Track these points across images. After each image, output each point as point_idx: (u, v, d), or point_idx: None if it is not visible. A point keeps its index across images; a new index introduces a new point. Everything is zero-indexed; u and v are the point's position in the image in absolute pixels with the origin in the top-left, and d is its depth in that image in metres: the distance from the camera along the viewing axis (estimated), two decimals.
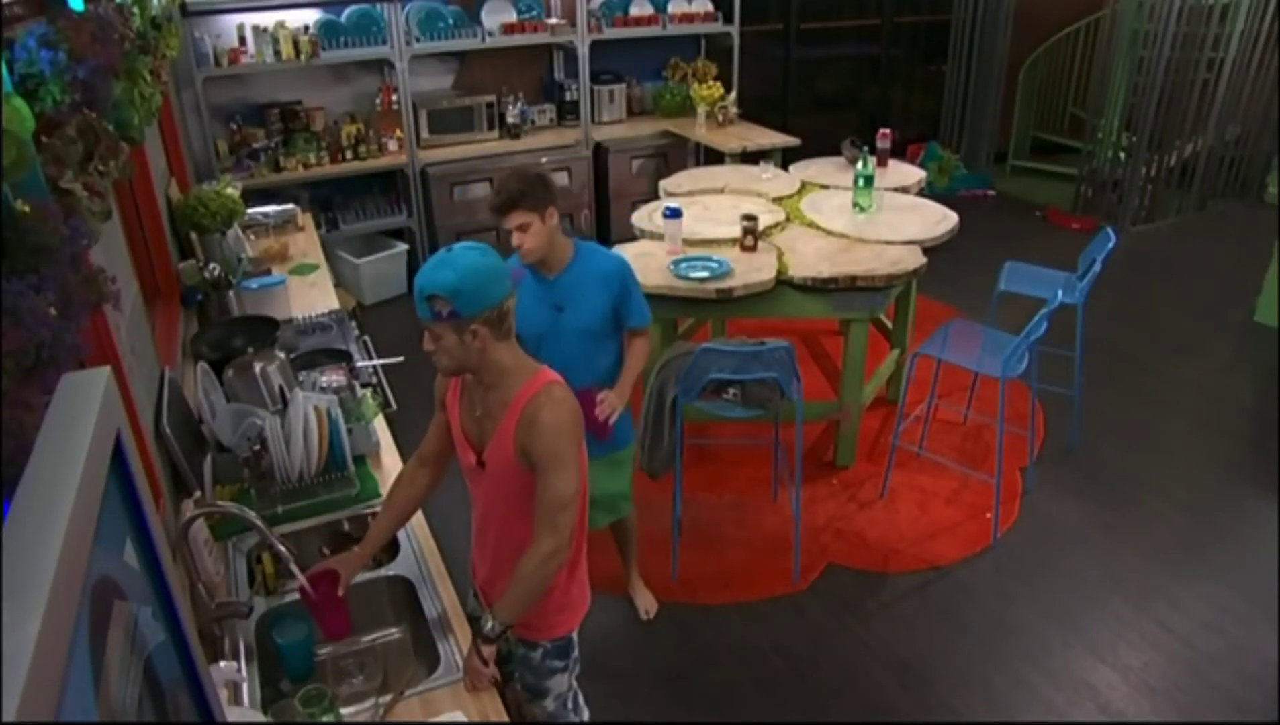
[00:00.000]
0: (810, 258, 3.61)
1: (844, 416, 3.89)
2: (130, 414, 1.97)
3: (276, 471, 2.31)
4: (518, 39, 5.68)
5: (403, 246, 5.65)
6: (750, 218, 3.67)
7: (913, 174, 4.67)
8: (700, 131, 6.01)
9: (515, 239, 2.44)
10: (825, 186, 4.48)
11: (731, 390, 3.18)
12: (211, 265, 3.38)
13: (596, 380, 2.63)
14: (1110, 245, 3.88)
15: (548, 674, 2.10)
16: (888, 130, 4.67)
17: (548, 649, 2.07)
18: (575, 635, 2.12)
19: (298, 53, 5.10)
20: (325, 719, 1.68)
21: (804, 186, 4.51)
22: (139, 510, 0.94)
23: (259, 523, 1.89)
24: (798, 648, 3.06)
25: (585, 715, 2.25)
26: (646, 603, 3.19)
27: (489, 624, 1.80)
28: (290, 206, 4.54)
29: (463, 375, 1.87)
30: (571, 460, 1.79)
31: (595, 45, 5.91)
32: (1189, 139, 6.80)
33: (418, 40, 5.45)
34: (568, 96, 6.02)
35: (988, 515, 3.63)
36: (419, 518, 2.31)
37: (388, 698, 1.79)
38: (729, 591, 3.30)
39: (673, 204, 3.81)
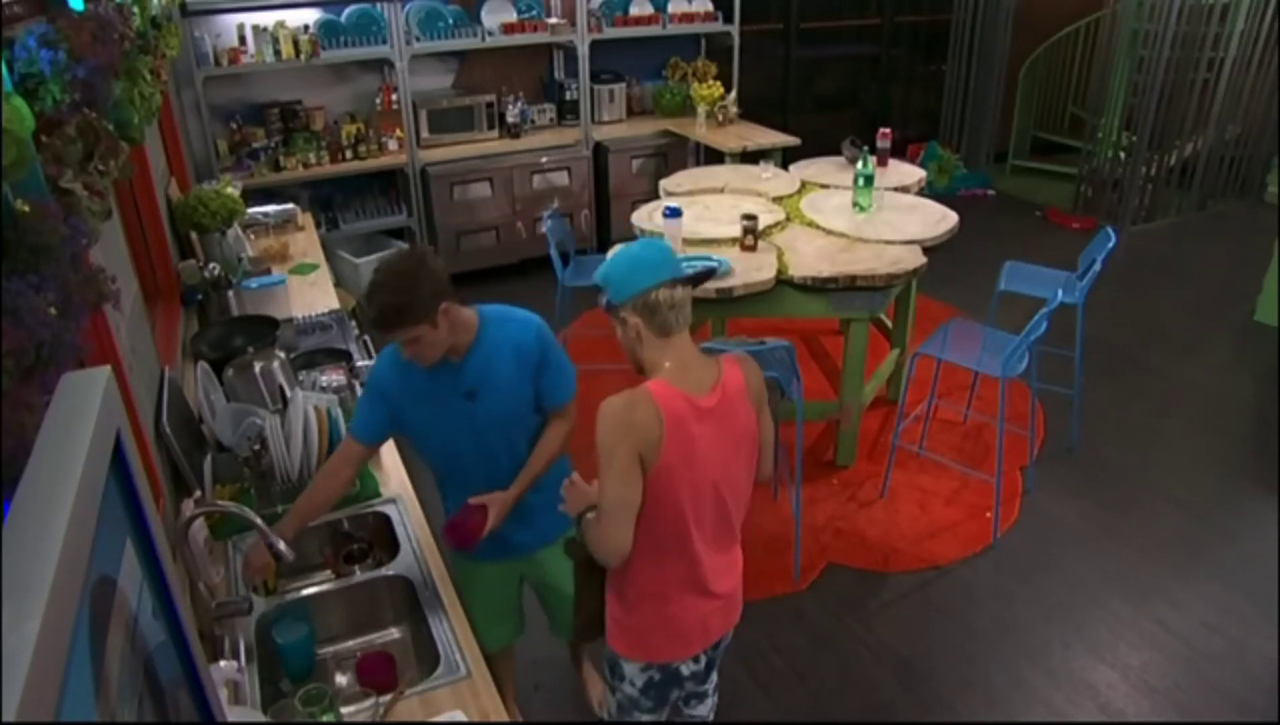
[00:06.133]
0: (810, 257, 3.61)
1: (844, 416, 3.89)
2: (130, 414, 1.97)
3: (276, 471, 2.31)
4: (518, 38, 5.68)
5: (403, 246, 5.65)
6: (750, 217, 3.67)
7: (913, 173, 4.67)
8: (700, 131, 6.00)
9: (406, 351, 1.99)
10: (825, 186, 4.48)
11: None
12: (211, 265, 3.38)
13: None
14: (1110, 245, 3.88)
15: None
16: (888, 130, 4.67)
17: (609, 653, 2.05)
18: (626, 664, 2.00)
19: (298, 52, 5.10)
20: (325, 719, 1.69)
21: (804, 186, 4.51)
22: (139, 510, 0.93)
23: (259, 522, 1.89)
24: (798, 648, 3.06)
25: None
26: (598, 693, 2.74)
27: None
28: (290, 206, 4.54)
29: None
30: (611, 463, 1.74)
31: (595, 45, 5.90)
32: (1189, 139, 6.81)
33: (418, 40, 5.44)
34: (568, 96, 6.01)
35: (988, 515, 3.63)
36: (419, 518, 2.32)
37: (388, 697, 1.79)
38: None
39: (673, 204, 3.80)
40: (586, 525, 1.85)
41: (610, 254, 1.82)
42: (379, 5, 5.36)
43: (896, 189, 4.38)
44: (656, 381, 1.78)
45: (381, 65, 5.54)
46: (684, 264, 1.91)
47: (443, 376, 2.05)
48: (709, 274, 2.00)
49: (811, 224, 3.98)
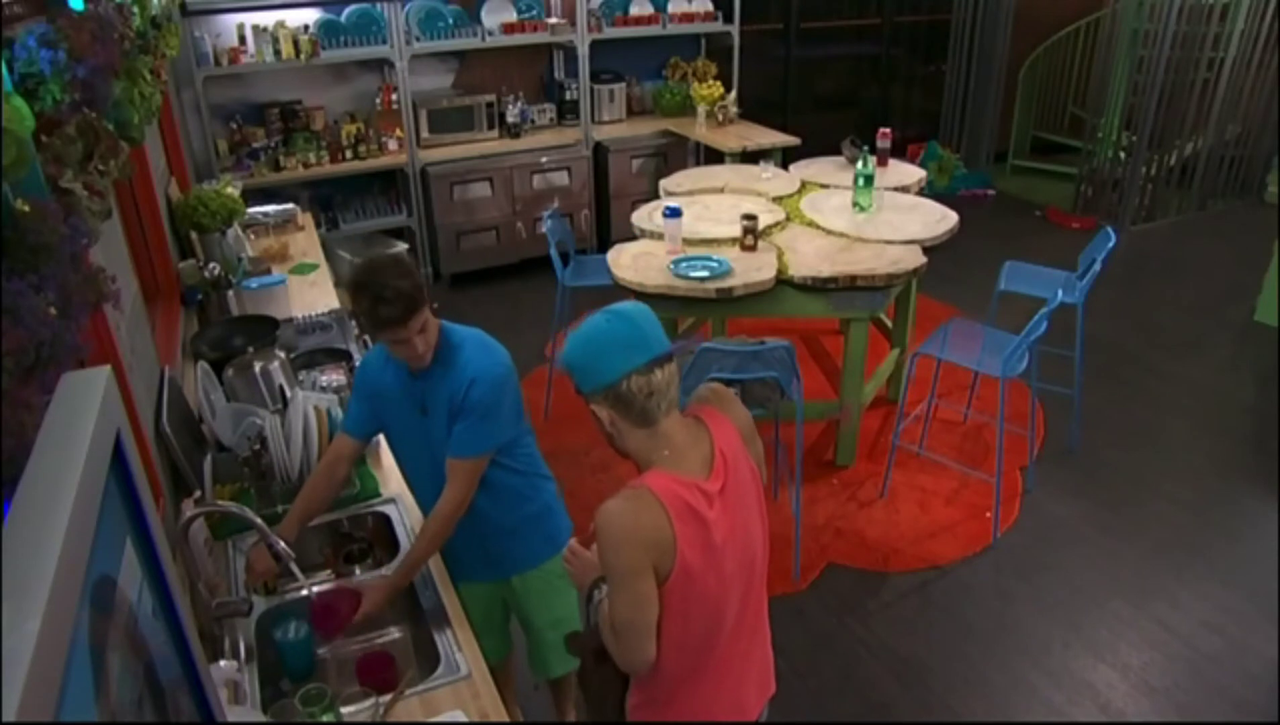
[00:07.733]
0: (810, 257, 3.61)
1: (844, 416, 3.89)
2: (130, 414, 1.97)
3: (276, 471, 2.31)
4: (518, 38, 5.68)
5: (403, 246, 5.65)
6: (750, 217, 3.67)
7: (913, 173, 4.67)
8: (700, 131, 6.00)
9: (419, 345, 1.92)
10: (825, 186, 4.48)
11: (732, 389, 3.18)
12: (211, 265, 3.38)
13: (488, 505, 2.08)
14: (1110, 245, 3.87)
15: None
16: (888, 129, 4.67)
17: None
18: None
19: (298, 52, 5.10)
20: (325, 719, 1.68)
21: (804, 186, 4.51)
22: (139, 510, 0.94)
23: (259, 522, 1.89)
24: (798, 648, 3.06)
25: None
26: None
27: None
28: (290, 206, 4.54)
29: None
30: (621, 583, 1.52)
31: (595, 45, 5.90)
32: (1189, 139, 6.80)
33: (418, 40, 5.44)
34: (568, 96, 6.01)
35: (988, 515, 3.63)
36: (418, 518, 2.31)
37: (388, 697, 1.79)
38: None
39: (673, 203, 3.81)
40: (598, 611, 1.63)
41: (576, 331, 1.55)
42: (379, 5, 5.36)
43: (896, 189, 4.38)
44: (654, 474, 1.53)
45: (381, 65, 5.54)
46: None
47: (407, 385, 2.04)
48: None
49: (811, 224, 3.97)
